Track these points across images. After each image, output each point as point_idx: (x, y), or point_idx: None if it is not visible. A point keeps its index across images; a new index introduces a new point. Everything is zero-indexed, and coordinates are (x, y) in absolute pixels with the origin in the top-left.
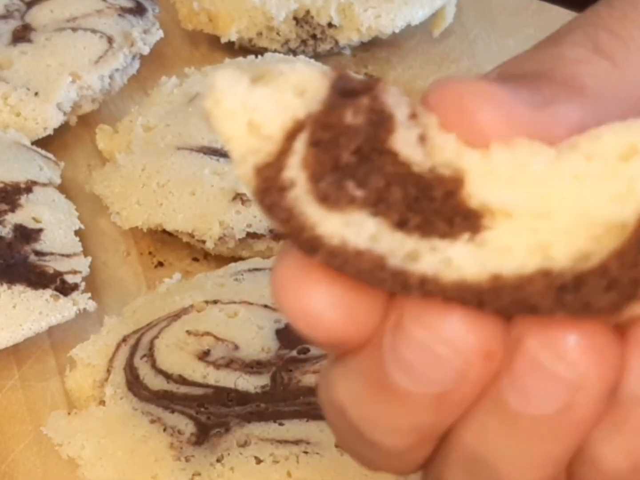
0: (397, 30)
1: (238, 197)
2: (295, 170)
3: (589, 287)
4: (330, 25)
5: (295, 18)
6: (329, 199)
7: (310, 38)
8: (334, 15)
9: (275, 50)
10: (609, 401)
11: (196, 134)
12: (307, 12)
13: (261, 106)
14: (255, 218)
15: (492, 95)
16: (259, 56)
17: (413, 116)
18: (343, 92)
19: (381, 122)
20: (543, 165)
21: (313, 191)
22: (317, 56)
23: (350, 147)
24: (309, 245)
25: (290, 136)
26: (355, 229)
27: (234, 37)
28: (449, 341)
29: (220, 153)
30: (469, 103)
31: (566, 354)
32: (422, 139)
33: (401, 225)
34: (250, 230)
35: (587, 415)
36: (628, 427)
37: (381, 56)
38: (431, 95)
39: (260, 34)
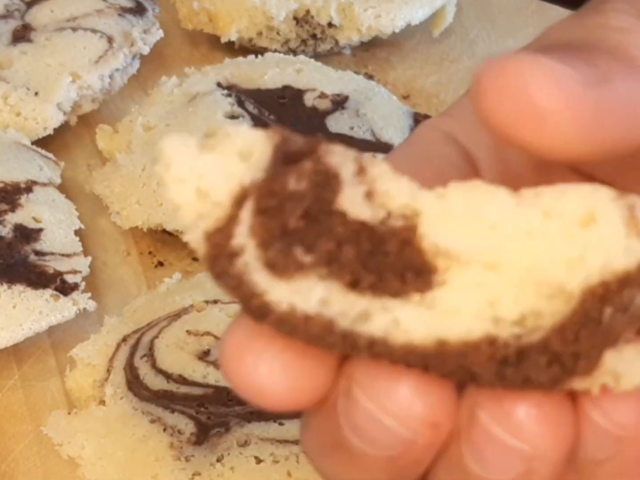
0: (397, 30)
1: None
2: (243, 238)
3: (531, 362)
4: (330, 25)
5: (295, 18)
6: (277, 266)
7: (310, 38)
8: (334, 15)
9: (275, 50)
10: (569, 463)
11: (196, 134)
12: (307, 11)
13: (208, 173)
14: None
15: (551, 70)
16: (259, 56)
17: (360, 171)
18: (286, 155)
19: (326, 183)
20: (499, 213)
21: (262, 258)
22: (317, 56)
23: (296, 212)
24: (259, 312)
25: (238, 202)
26: (303, 295)
27: (234, 37)
28: (395, 412)
29: None
30: (527, 81)
31: (518, 427)
32: (370, 194)
33: (353, 285)
34: None
35: (547, 478)
36: None
37: (381, 56)
38: (484, 78)
39: (260, 33)
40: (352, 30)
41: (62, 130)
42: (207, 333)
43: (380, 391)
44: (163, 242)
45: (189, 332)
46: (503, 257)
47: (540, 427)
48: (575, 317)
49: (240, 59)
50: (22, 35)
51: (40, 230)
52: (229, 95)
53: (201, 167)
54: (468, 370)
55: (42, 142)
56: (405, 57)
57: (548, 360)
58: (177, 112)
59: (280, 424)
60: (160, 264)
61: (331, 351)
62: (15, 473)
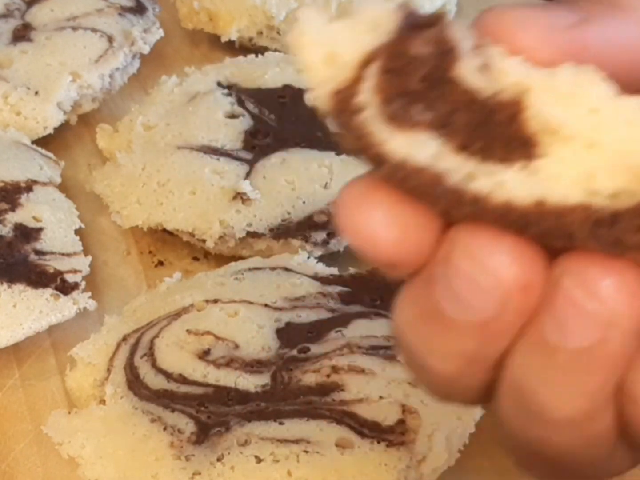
0: None
1: (238, 196)
2: (367, 95)
3: (623, 225)
4: None
5: (295, 17)
6: (396, 119)
7: None
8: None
9: (275, 50)
10: None
11: (196, 133)
12: None
13: (339, 38)
14: (255, 217)
15: (533, 16)
16: (259, 55)
17: (477, 47)
18: (412, 26)
19: (446, 51)
20: (602, 98)
21: (383, 113)
22: None
23: (418, 74)
24: (376, 160)
25: (364, 65)
26: (418, 147)
27: (234, 37)
28: (492, 273)
29: (220, 152)
30: (510, 26)
31: (599, 292)
32: (485, 67)
33: (462, 149)
34: (251, 229)
35: (620, 350)
36: None
37: None
38: (478, 22)
39: (260, 33)
40: None
41: (63, 129)
42: (208, 332)
43: (479, 252)
44: (163, 241)
45: (189, 332)
46: (601, 138)
47: (621, 296)
48: None
49: (241, 58)
50: (22, 34)
51: (40, 229)
52: (229, 94)
53: (333, 33)
54: (563, 230)
55: (43, 142)
56: None
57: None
58: (177, 112)
59: (281, 423)
60: (161, 263)
61: (436, 206)
62: (15, 472)
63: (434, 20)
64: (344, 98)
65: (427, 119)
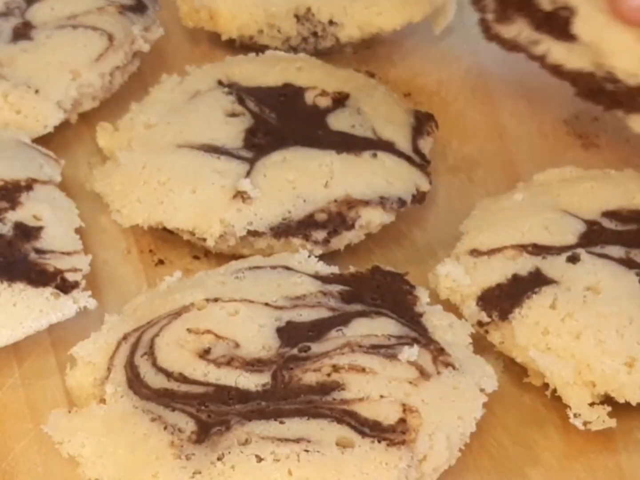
0: (398, 28)
1: (239, 195)
2: None
3: None
4: (331, 22)
5: (296, 15)
6: None
7: (311, 36)
8: (335, 13)
9: (276, 48)
10: None
11: (197, 132)
12: (308, 9)
13: None
14: (255, 216)
15: None
16: (260, 54)
17: None
18: None
19: None
20: None
21: None
22: (318, 54)
23: None
24: None
25: None
26: None
27: (234, 35)
28: None
29: (221, 151)
30: None
31: None
32: None
33: None
34: (251, 228)
35: None
36: None
37: (382, 54)
38: None
39: (261, 31)
40: (353, 28)
41: (63, 128)
42: (208, 331)
43: None
44: (164, 240)
45: (189, 330)
46: None
47: None
48: None
49: (241, 56)
50: (22, 32)
51: (40, 228)
52: (230, 93)
53: None
54: None
55: (43, 140)
56: (406, 55)
57: None
58: (177, 110)
59: (281, 422)
60: (161, 262)
61: None
62: (15, 472)
63: None
64: None
65: None
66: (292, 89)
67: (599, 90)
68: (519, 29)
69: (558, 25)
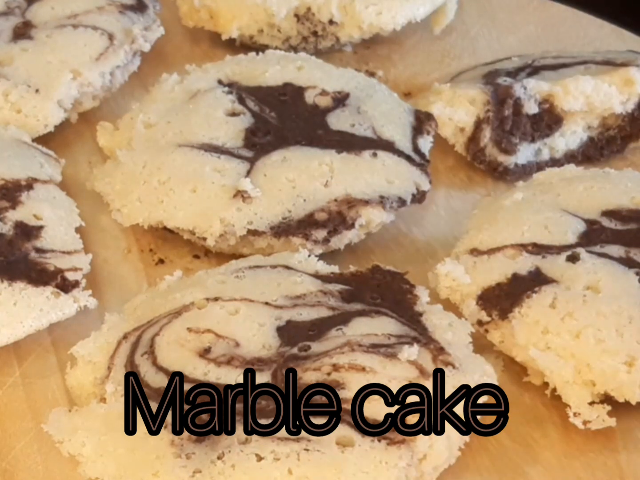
0: (398, 28)
1: (239, 194)
2: None
3: None
4: (331, 22)
5: (296, 15)
6: None
7: (311, 35)
8: (335, 12)
9: (276, 48)
10: None
11: (197, 131)
12: (308, 9)
13: None
14: (256, 215)
15: None
16: (260, 53)
17: None
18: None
19: None
20: None
21: None
22: (318, 53)
23: None
24: None
25: None
26: None
27: (235, 34)
28: None
29: (221, 150)
30: None
31: None
32: None
33: None
34: (251, 227)
35: None
36: None
37: (382, 53)
38: None
39: (261, 31)
40: (353, 28)
41: (63, 127)
42: (208, 330)
43: None
44: (164, 239)
45: (189, 330)
46: None
47: None
48: None
49: (241, 56)
50: (22, 32)
51: (41, 227)
52: (230, 92)
53: None
54: None
55: (43, 140)
56: (406, 54)
57: None
58: (178, 109)
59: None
60: (161, 261)
61: None
62: (15, 470)
63: None
64: None
65: None
66: (292, 88)
67: None
68: None
69: None
